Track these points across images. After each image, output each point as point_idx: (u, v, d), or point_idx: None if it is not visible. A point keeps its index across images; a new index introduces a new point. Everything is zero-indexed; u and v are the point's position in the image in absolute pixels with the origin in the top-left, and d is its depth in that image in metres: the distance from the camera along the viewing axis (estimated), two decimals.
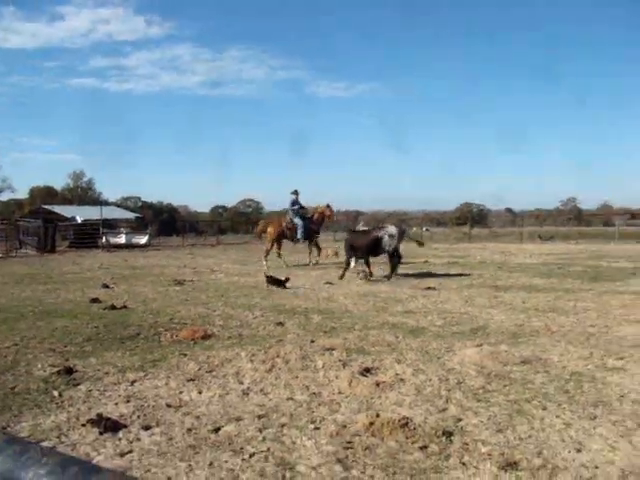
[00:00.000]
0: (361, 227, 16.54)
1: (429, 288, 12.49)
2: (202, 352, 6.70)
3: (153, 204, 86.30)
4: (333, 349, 6.65)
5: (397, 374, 5.62)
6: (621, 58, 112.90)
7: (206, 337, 7.52)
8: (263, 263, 18.35)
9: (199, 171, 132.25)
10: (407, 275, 15.26)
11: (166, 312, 9.62)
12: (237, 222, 76.50)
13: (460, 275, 15.36)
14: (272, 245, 18.96)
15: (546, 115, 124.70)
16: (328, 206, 19.24)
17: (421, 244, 17.79)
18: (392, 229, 14.51)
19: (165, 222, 64.33)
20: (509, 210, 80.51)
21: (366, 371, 5.69)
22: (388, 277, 14.11)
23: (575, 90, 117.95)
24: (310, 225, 18.92)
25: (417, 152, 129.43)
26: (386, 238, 14.24)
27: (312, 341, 7.13)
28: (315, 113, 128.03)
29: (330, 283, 13.52)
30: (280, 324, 8.42)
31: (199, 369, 5.98)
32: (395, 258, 14.35)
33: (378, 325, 8.32)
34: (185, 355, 6.58)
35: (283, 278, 12.90)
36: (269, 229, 19.29)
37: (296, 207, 19.00)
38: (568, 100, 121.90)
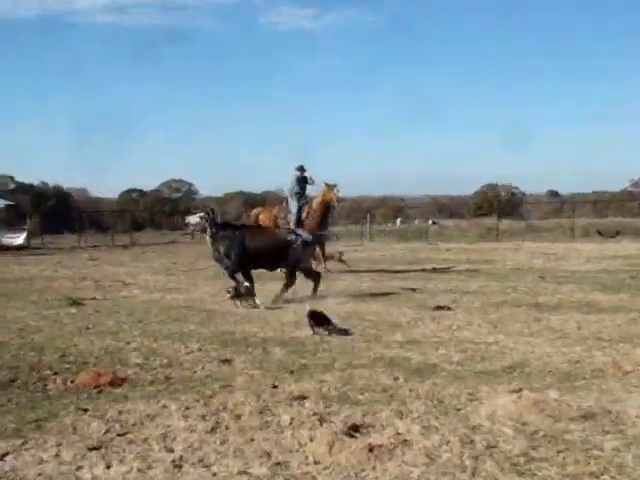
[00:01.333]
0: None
1: (440, 307, 12.60)
2: (111, 405, 6.61)
3: (33, 186, 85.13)
4: (304, 398, 6.65)
5: (398, 434, 5.62)
6: None
7: (117, 383, 7.44)
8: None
9: (98, 140, 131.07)
10: (407, 289, 15.28)
11: (56, 347, 9.49)
12: (159, 213, 76.04)
13: (485, 288, 15.44)
14: None
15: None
16: (330, 187, 19.28)
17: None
18: (308, 235, 14.77)
19: (52, 213, 63.49)
20: (554, 194, 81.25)
21: (353, 430, 5.69)
22: (275, 300, 13.71)
23: None
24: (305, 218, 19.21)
25: (419, 113, 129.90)
26: (298, 245, 14.23)
27: (274, 386, 7.14)
28: (270, 51, 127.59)
29: (299, 301, 13.45)
30: (227, 362, 8.46)
31: (106, 432, 5.90)
32: (292, 276, 14.25)
33: (369, 362, 8.36)
34: (85, 411, 6.48)
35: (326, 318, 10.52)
36: (261, 217, 19.99)
37: (296, 188, 19.31)
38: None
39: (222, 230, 14.29)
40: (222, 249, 14.05)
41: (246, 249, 13.97)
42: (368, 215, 48.50)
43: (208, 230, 14.23)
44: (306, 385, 7.17)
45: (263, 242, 14.25)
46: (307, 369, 8.03)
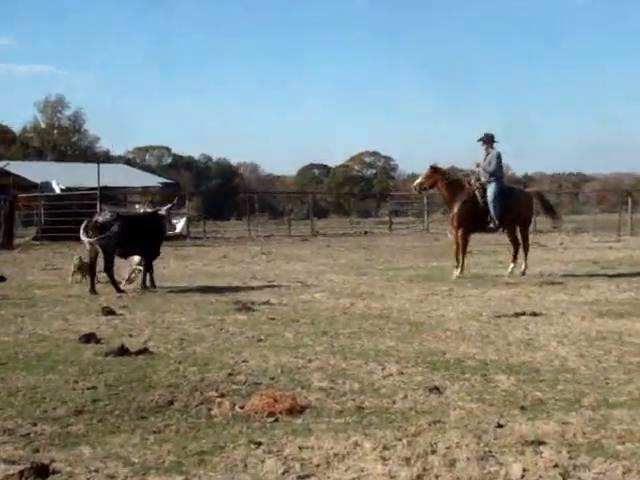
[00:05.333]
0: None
1: None
2: (289, 439, 6.72)
3: (194, 161, 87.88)
4: (541, 443, 6.50)
5: None
6: None
7: (296, 411, 7.55)
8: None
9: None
10: None
11: (222, 362, 9.81)
12: (347, 195, 76.90)
13: None
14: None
15: None
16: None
17: None
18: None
19: (216, 194, 65.49)
20: None
21: None
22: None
23: None
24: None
25: None
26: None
27: (499, 425, 7.04)
28: None
29: (530, 313, 13.36)
30: (436, 390, 8.39)
31: (284, 472, 5.98)
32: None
33: (631, 400, 8.04)
34: (258, 444, 6.60)
35: None
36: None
37: (492, 164, 20.70)
38: None
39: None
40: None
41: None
42: (629, 199, 47.37)
43: None
44: (543, 426, 6.99)
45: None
46: (544, 405, 7.82)
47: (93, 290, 16.93)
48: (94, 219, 17.46)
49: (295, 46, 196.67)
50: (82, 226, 17.43)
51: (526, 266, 20.45)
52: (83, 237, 17.42)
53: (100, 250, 17.25)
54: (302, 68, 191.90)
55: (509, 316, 13.26)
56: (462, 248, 20.14)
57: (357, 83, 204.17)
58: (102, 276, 17.96)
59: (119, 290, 17.06)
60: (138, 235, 17.66)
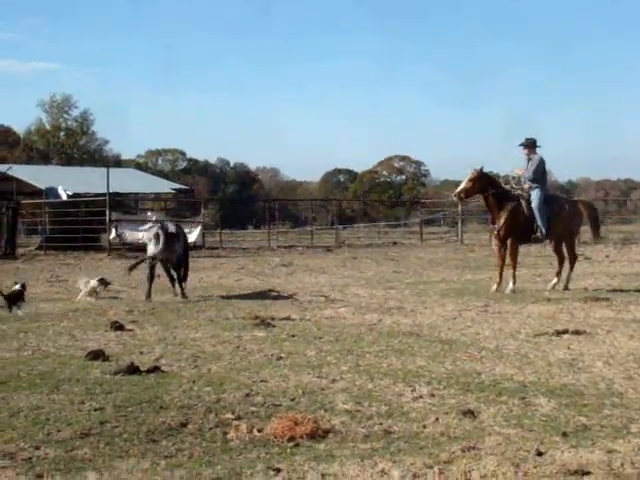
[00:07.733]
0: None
1: None
2: (310, 466, 6.71)
3: (210, 165, 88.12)
4: (585, 473, 6.47)
5: None
6: None
7: (318, 435, 7.55)
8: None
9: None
10: None
11: (238, 382, 9.81)
12: (375, 202, 77.04)
13: None
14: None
15: None
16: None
17: None
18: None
19: (233, 201, 65.75)
20: None
21: None
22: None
23: None
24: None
25: None
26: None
27: (539, 453, 6.99)
28: None
29: (572, 331, 13.26)
30: (470, 414, 8.36)
31: None
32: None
33: None
34: (277, 471, 6.59)
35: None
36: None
37: (536, 170, 20.71)
38: None
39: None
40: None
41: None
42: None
43: None
44: (587, 455, 6.93)
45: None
46: (588, 431, 7.74)
47: (149, 297, 18.35)
48: (168, 231, 18.84)
49: (321, 46, 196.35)
50: (152, 235, 18.93)
51: (569, 280, 20.37)
52: (155, 248, 18.68)
53: (168, 261, 18.99)
54: (327, 67, 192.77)
55: (550, 334, 13.16)
56: (514, 261, 20.16)
57: (386, 83, 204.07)
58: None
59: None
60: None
